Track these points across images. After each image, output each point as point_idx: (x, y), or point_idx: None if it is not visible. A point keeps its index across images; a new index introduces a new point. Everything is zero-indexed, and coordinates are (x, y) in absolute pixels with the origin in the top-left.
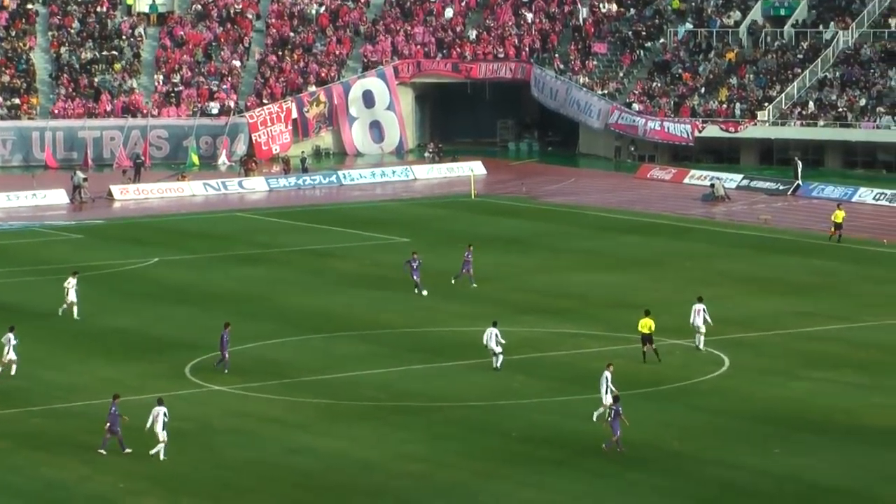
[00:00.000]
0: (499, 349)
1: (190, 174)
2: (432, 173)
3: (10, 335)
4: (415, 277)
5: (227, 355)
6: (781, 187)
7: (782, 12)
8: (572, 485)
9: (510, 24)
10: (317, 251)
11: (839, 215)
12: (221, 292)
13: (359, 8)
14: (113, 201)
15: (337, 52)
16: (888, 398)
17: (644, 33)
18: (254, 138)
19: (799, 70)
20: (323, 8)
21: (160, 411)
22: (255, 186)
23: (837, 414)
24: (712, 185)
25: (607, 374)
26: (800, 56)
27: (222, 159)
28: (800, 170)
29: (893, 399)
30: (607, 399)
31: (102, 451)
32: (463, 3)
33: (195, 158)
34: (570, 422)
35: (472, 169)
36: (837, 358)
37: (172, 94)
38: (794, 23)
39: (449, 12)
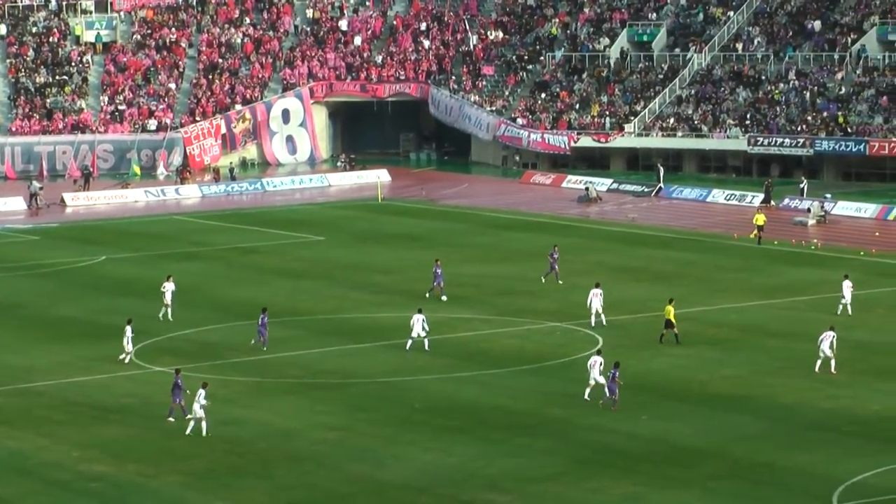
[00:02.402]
0: (424, 333)
1: (133, 183)
2: (344, 180)
3: (128, 327)
4: (436, 283)
5: (265, 335)
6: (646, 190)
7: (645, 38)
8: (467, 448)
9: (410, 50)
10: (244, 248)
11: (760, 218)
12: (161, 285)
13: (278, 37)
14: (65, 207)
15: (260, 76)
16: (736, 370)
17: (526, 57)
18: (188, 151)
19: (660, 88)
20: (247, 38)
21: (201, 393)
22: (190, 193)
23: (694, 384)
24: (586, 189)
25: (599, 359)
26: (660, 76)
27: (161, 169)
28: (662, 174)
29: (740, 370)
30: (600, 379)
31: (171, 419)
32: (369, 32)
33: (137, 169)
34: (466, 394)
35: (379, 176)
36: (694, 336)
37: (116, 113)
38: (655, 47)
39: (357, 40)
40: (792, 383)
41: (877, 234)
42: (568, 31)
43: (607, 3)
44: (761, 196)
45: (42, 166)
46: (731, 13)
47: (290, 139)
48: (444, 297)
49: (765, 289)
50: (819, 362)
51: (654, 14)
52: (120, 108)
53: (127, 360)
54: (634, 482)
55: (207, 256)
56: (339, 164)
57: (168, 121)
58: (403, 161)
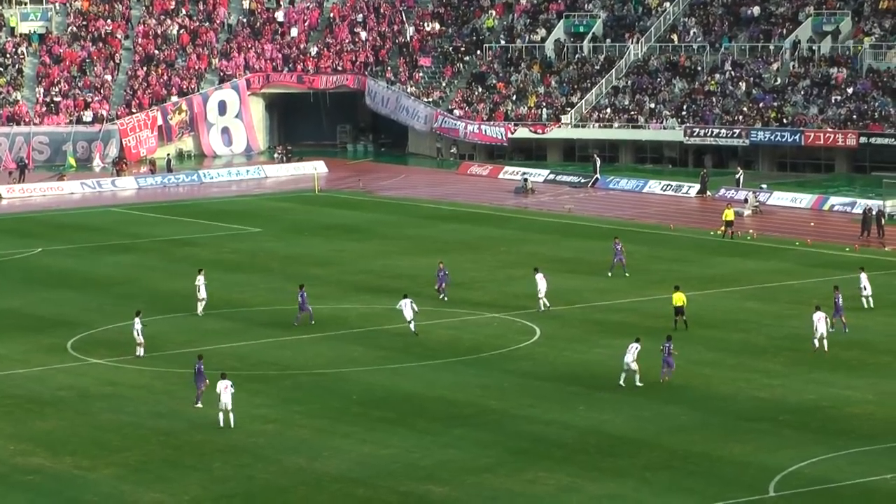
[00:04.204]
0: (410, 315)
1: (68, 175)
2: (281, 172)
3: (137, 319)
4: (440, 285)
5: (310, 309)
6: (582, 180)
7: (581, 29)
8: (404, 440)
9: (347, 41)
10: (181, 240)
11: (728, 214)
12: (98, 277)
13: (214, 28)
14: (0, 199)
15: (196, 67)
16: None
17: (463, 49)
18: (124, 143)
19: (596, 79)
20: (183, 29)
21: (227, 384)
22: (126, 185)
23: (631, 375)
24: (525, 180)
25: (636, 345)
26: (597, 67)
27: (96, 161)
28: (598, 165)
29: (676, 361)
30: (633, 365)
31: (199, 405)
32: (306, 24)
33: (73, 161)
34: (403, 385)
35: (316, 168)
36: (630, 327)
37: (52, 105)
38: (592, 38)
39: (294, 31)
40: (727, 374)
41: (812, 224)
42: (504, 23)
43: None
44: (697, 187)
45: None
46: (668, 4)
47: (226, 131)
48: (443, 297)
49: (701, 279)
50: (817, 342)
51: (591, 5)
52: (55, 99)
53: (142, 354)
54: (570, 473)
55: (144, 248)
56: (275, 155)
57: (104, 112)
58: (340, 153)
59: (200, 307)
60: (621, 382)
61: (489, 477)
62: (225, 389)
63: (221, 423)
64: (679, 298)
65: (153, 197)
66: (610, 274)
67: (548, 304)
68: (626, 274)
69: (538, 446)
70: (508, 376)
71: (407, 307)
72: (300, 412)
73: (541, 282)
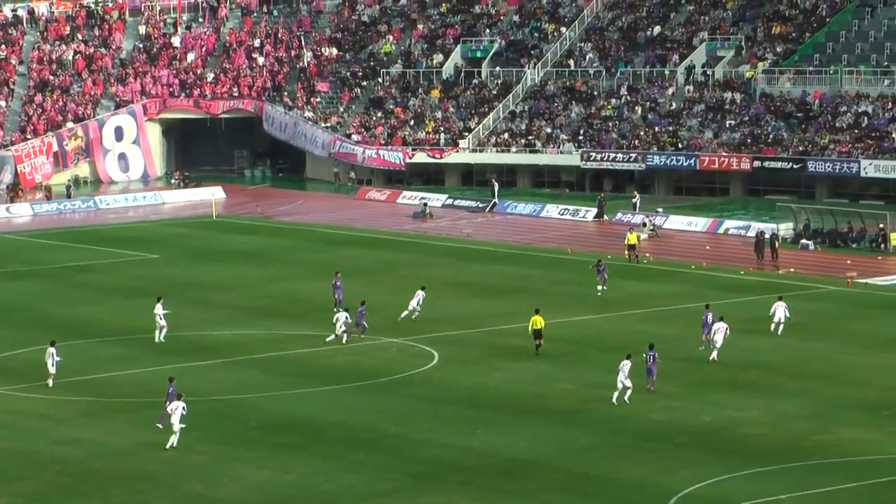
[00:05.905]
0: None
1: None
2: (178, 198)
3: (52, 349)
4: (337, 296)
5: (365, 325)
6: (481, 205)
7: (479, 54)
8: (305, 466)
9: (244, 66)
10: (78, 267)
11: (631, 238)
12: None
13: (110, 54)
14: None
15: (92, 93)
16: (570, 384)
17: (360, 74)
18: (19, 169)
19: (494, 104)
20: (78, 54)
21: (179, 405)
22: (21, 212)
23: (529, 398)
24: (423, 205)
25: (627, 363)
26: (494, 92)
27: None
28: (496, 190)
29: (574, 384)
30: (628, 382)
31: (160, 425)
32: (202, 49)
33: None
34: (303, 411)
35: (213, 193)
36: (529, 351)
37: None
38: (489, 63)
39: (190, 57)
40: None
41: (707, 247)
42: (402, 48)
43: (441, 20)
44: (594, 211)
45: None
46: (564, 29)
47: (122, 157)
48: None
49: (598, 303)
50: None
51: (488, 30)
52: None
53: (51, 384)
54: (470, 496)
55: (40, 275)
56: (172, 181)
57: None
58: (238, 178)
59: (161, 334)
60: (614, 401)
61: (389, 501)
62: (175, 410)
63: (168, 445)
64: (538, 321)
65: (49, 223)
66: (599, 292)
67: (402, 317)
68: (599, 294)
69: (437, 470)
70: (407, 400)
71: (342, 320)
72: (198, 438)
73: (416, 298)
